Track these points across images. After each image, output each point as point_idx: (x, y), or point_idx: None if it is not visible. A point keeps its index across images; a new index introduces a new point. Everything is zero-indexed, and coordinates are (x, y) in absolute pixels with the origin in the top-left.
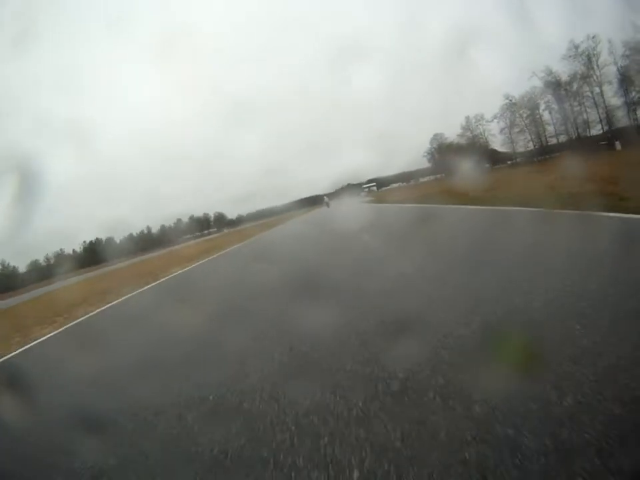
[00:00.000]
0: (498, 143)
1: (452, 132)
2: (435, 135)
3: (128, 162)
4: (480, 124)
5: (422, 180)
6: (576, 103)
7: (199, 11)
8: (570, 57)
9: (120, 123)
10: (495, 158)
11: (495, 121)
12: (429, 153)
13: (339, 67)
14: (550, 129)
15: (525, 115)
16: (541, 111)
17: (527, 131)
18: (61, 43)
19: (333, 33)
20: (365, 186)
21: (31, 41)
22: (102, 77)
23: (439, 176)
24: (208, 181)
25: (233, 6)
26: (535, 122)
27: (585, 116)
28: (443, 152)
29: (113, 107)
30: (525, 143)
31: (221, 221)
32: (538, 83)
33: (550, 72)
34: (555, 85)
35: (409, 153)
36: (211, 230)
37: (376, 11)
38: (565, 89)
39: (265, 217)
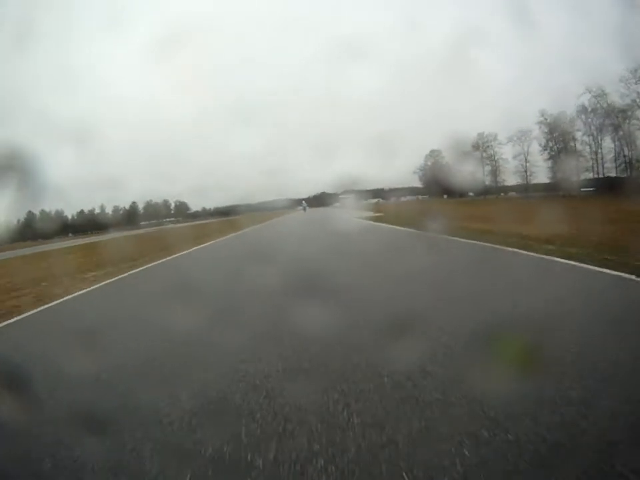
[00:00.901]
0: (509, 171)
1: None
2: (432, 152)
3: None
4: (489, 145)
5: (402, 199)
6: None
7: (200, 11)
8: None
9: (115, 115)
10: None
11: (510, 144)
12: (421, 170)
13: (338, 70)
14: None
15: (559, 139)
16: (570, 139)
17: (560, 159)
18: (60, 38)
19: (336, 35)
20: (342, 196)
21: (31, 36)
22: (99, 73)
23: (421, 197)
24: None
25: (234, 5)
26: (567, 150)
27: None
28: (437, 171)
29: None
30: (552, 174)
31: (181, 211)
32: (587, 102)
33: (602, 93)
34: (607, 111)
35: (399, 168)
36: (170, 219)
37: (387, 14)
38: (617, 116)
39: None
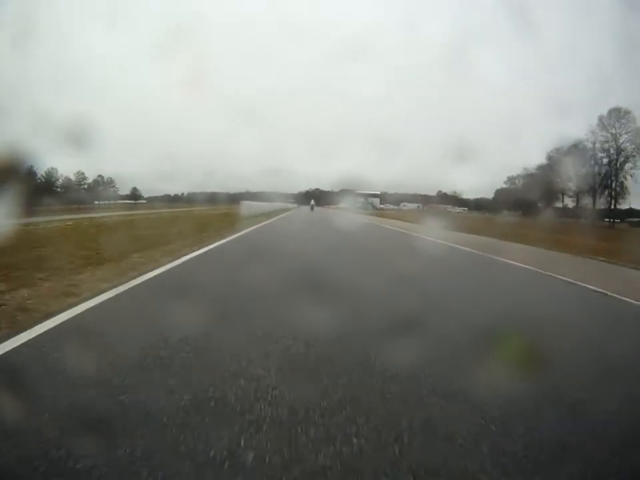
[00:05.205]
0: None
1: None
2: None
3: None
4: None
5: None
6: None
7: (201, 10)
8: None
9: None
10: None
11: None
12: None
13: (341, 69)
14: None
15: None
16: None
17: None
18: (59, 36)
19: (338, 34)
20: (369, 195)
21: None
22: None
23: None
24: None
25: (235, 5)
26: None
27: None
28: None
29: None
30: None
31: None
32: None
33: None
34: None
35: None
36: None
37: (389, 14)
38: None
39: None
